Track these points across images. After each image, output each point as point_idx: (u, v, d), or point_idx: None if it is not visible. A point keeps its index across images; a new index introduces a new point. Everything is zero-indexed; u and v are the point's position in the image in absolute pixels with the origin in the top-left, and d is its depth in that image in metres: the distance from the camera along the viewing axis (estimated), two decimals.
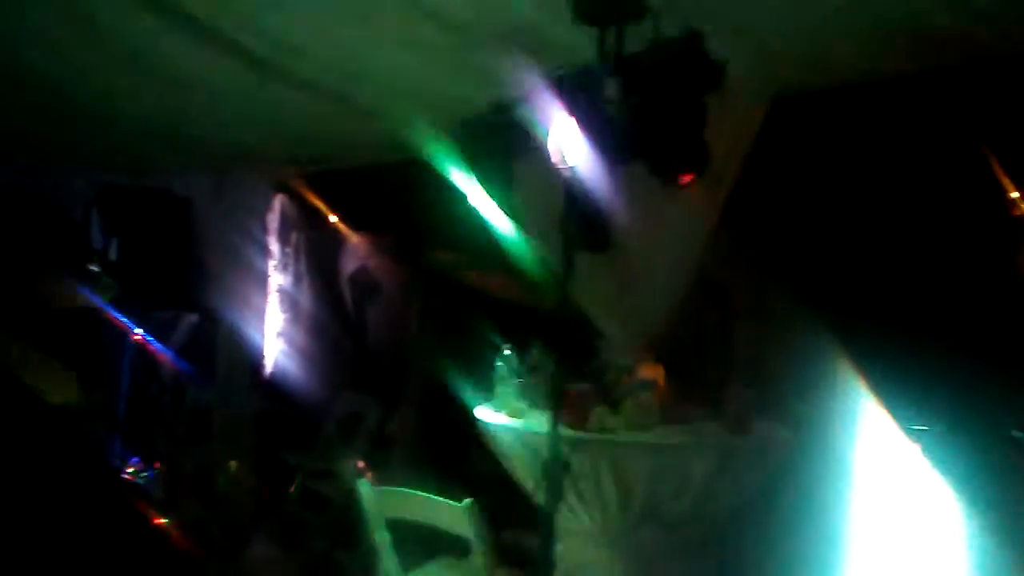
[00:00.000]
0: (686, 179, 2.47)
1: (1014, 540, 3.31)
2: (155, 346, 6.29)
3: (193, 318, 6.58)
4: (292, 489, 5.71)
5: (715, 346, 3.78)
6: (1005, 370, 3.58)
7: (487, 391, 3.80)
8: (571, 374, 3.38)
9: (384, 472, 4.61)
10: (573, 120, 2.44)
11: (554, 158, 2.49)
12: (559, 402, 2.82)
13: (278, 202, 6.44)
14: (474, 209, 3.86)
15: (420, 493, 3.79)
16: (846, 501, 3.19)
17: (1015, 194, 3.42)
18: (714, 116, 2.43)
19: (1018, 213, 3.43)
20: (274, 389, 6.20)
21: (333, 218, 6.37)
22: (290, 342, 6.39)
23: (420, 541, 3.91)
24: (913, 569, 3.15)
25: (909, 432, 3.36)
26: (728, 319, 3.79)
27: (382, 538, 3.92)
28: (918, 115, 3.50)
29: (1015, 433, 3.58)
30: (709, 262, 3.67)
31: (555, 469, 2.80)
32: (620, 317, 3.58)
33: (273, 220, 6.45)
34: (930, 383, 3.53)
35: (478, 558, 3.69)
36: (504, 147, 2.81)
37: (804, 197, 3.66)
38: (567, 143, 2.51)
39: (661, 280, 3.50)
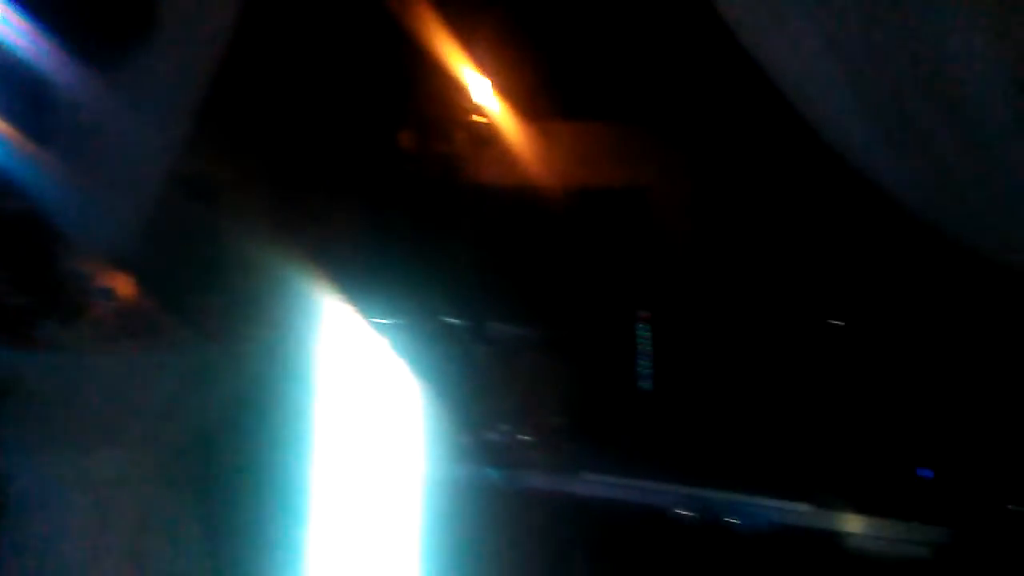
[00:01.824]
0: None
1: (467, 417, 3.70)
2: None
3: None
4: None
5: (192, 249, 3.52)
6: (437, 264, 3.93)
7: None
8: (12, 285, 2.94)
9: None
10: None
11: None
12: None
13: None
14: None
15: None
16: (324, 405, 3.24)
17: None
18: None
19: None
20: None
21: None
22: None
23: None
24: (386, 455, 3.33)
25: (377, 327, 3.52)
26: (209, 220, 3.56)
27: None
28: None
29: (450, 320, 3.97)
30: (189, 156, 3.38)
31: None
32: (79, 217, 3.16)
33: None
34: (388, 279, 3.71)
35: None
36: None
37: (281, 90, 3.52)
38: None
39: (128, 176, 3.13)
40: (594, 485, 3.79)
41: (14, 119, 2.30)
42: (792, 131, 2.75)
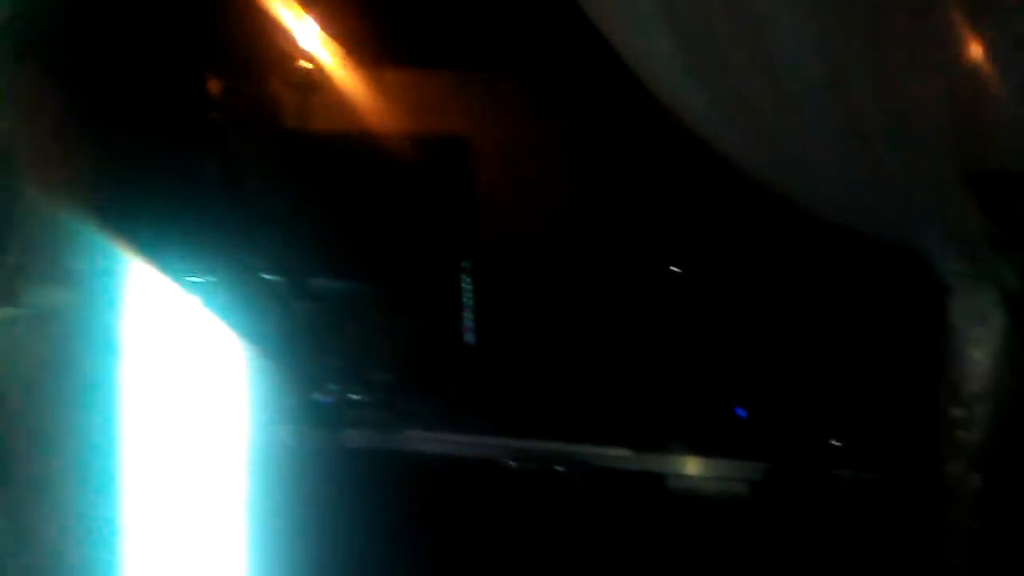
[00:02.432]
0: None
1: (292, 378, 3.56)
2: None
3: None
4: None
5: None
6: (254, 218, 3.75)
7: None
8: None
9: None
10: None
11: None
12: None
13: None
14: None
15: None
16: (135, 371, 3.00)
17: None
18: None
19: None
20: None
21: None
22: None
23: None
24: (207, 420, 3.15)
25: (187, 285, 3.30)
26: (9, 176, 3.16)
27: None
28: None
29: (264, 275, 3.80)
30: None
31: None
32: None
33: None
34: (201, 234, 3.49)
35: None
36: None
37: (79, 27, 3.14)
38: None
39: None
40: (423, 441, 3.77)
41: None
42: (621, 80, 2.76)
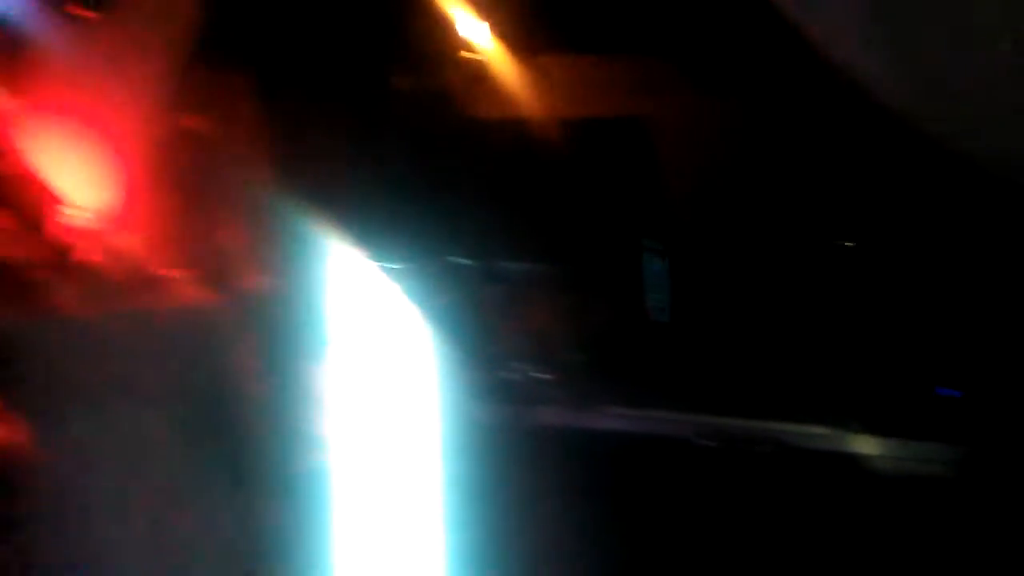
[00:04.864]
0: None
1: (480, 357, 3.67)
2: None
3: None
4: None
5: (193, 200, 3.44)
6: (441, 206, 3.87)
7: None
8: (13, 246, 2.88)
9: None
10: None
11: None
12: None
13: None
14: None
15: None
16: (337, 352, 3.20)
17: None
18: None
19: None
20: None
21: None
22: None
23: None
24: (400, 399, 3.31)
25: (383, 271, 3.47)
26: (207, 169, 3.48)
27: None
28: None
29: (461, 260, 3.93)
30: (180, 106, 3.29)
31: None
32: (76, 174, 3.09)
33: None
34: (393, 222, 3.65)
35: None
36: None
37: (272, 31, 3.39)
38: None
39: (119, 132, 3.05)
40: (611, 419, 3.78)
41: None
42: (792, 53, 2.66)
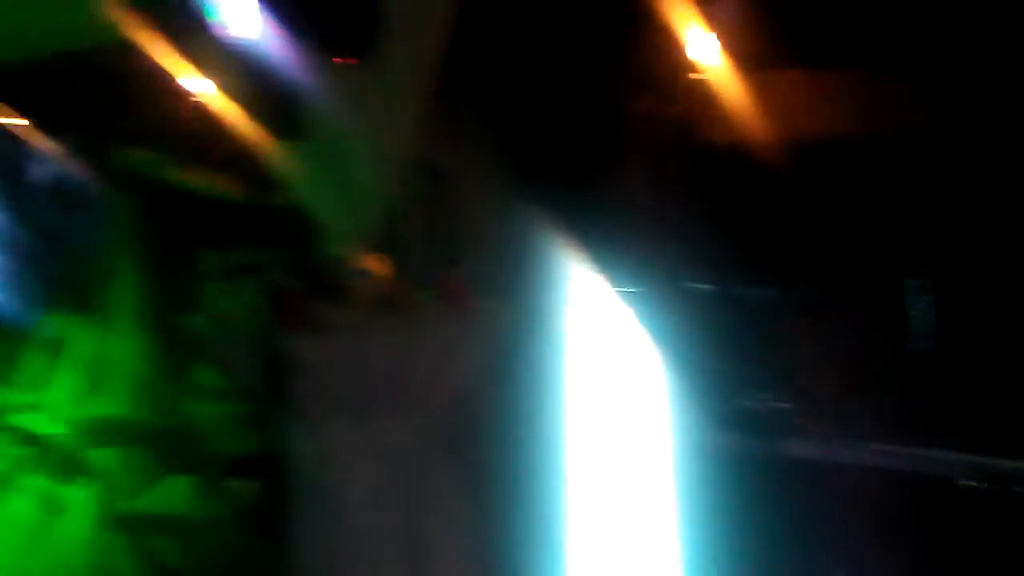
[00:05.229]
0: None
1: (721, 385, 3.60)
2: None
3: None
4: None
5: (437, 228, 3.70)
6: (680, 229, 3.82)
7: (199, 295, 3.57)
8: (286, 271, 3.23)
9: None
10: None
11: (229, 34, 2.27)
12: (273, 302, 2.70)
13: None
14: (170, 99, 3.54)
15: None
16: (576, 375, 3.28)
17: None
18: None
19: None
20: None
21: (17, 121, 5.66)
22: None
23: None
24: (638, 424, 3.33)
25: (622, 295, 3.51)
26: (449, 200, 3.71)
27: None
28: None
29: (692, 285, 3.86)
30: (425, 142, 3.56)
31: (275, 369, 2.72)
32: (334, 207, 3.43)
33: None
34: (630, 247, 3.68)
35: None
36: (180, 24, 2.56)
37: (518, 64, 3.55)
38: (248, 25, 2.31)
39: (371, 166, 3.36)
40: (865, 453, 3.57)
41: (265, 120, 2.54)
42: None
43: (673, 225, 3.73)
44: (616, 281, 3.46)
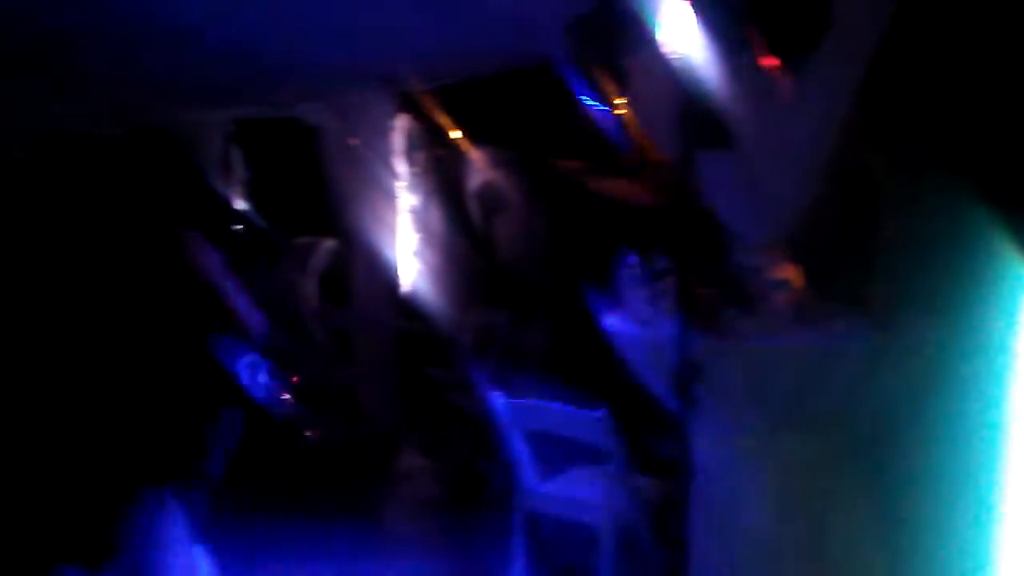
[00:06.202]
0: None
1: None
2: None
3: (330, 243, 6.81)
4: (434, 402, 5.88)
5: (857, 239, 3.50)
6: None
7: (616, 299, 3.71)
8: (700, 278, 3.26)
9: (518, 384, 4.64)
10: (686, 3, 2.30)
11: (667, 50, 2.35)
12: (688, 307, 2.74)
13: (402, 122, 6.47)
14: (595, 112, 3.74)
15: (555, 404, 3.83)
16: (1007, 403, 2.95)
17: None
18: None
19: None
20: (410, 308, 6.34)
21: (456, 134, 6.33)
22: (423, 261, 6.48)
23: (558, 450, 3.99)
24: None
25: None
26: (872, 209, 3.50)
27: (520, 449, 4.00)
28: None
29: None
30: (848, 147, 3.39)
31: (686, 375, 2.75)
32: (749, 215, 3.39)
33: (399, 140, 6.50)
34: None
35: (614, 466, 3.72)
36: (617, 42, 2.69)
37: (960, 61, 3.24)
38: (680, 33, 2.37)
39: (791, 173, 3.27)
40: None
41: (703, 130, 2.55)
42: None
43: None
44: None
